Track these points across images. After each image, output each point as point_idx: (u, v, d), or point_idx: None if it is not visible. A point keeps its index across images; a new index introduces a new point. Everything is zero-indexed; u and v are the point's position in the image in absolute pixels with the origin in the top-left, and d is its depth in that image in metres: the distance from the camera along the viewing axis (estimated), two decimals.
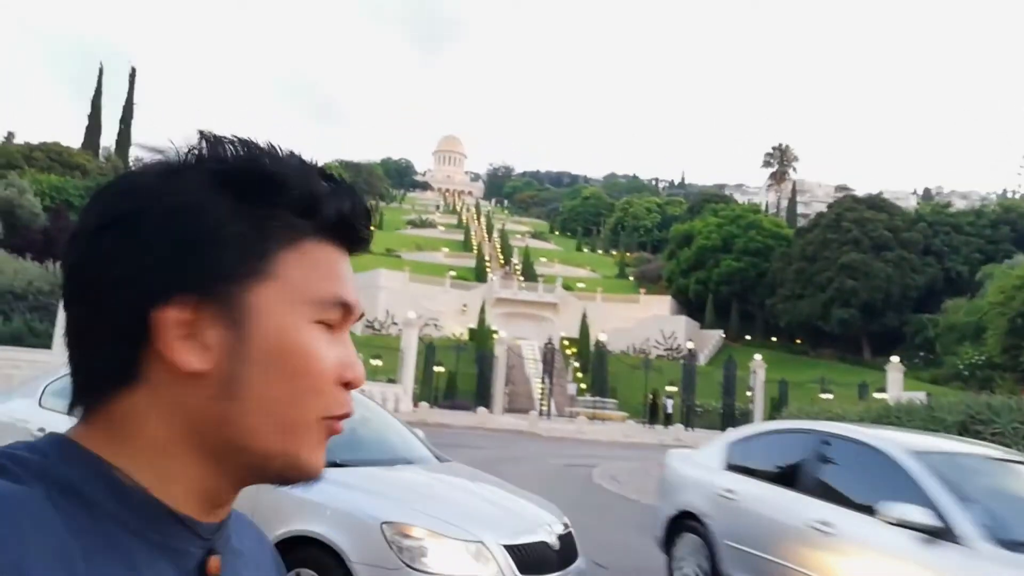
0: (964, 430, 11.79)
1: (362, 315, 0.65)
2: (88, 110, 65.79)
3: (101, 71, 66.52)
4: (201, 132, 0.60)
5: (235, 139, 0.60)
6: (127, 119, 68.63)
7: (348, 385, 0.61)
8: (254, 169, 0.58)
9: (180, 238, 0.56)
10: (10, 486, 0.51)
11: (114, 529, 0.54)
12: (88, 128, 65.22)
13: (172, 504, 0.58)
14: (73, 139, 69.51)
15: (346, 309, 0.61)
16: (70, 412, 0.59)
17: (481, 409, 33.91)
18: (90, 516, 0.53)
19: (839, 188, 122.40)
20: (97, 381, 0.58)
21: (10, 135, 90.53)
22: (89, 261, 0.56)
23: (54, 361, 25.53)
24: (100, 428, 0.58)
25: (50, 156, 53.95)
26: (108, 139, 68.02)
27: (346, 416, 0.62)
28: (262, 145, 0.60)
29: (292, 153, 0.62)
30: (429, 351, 38.66)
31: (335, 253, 0.62)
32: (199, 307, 0.56)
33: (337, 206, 0.61)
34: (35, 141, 57.07)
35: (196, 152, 0.59)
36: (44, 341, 28.00)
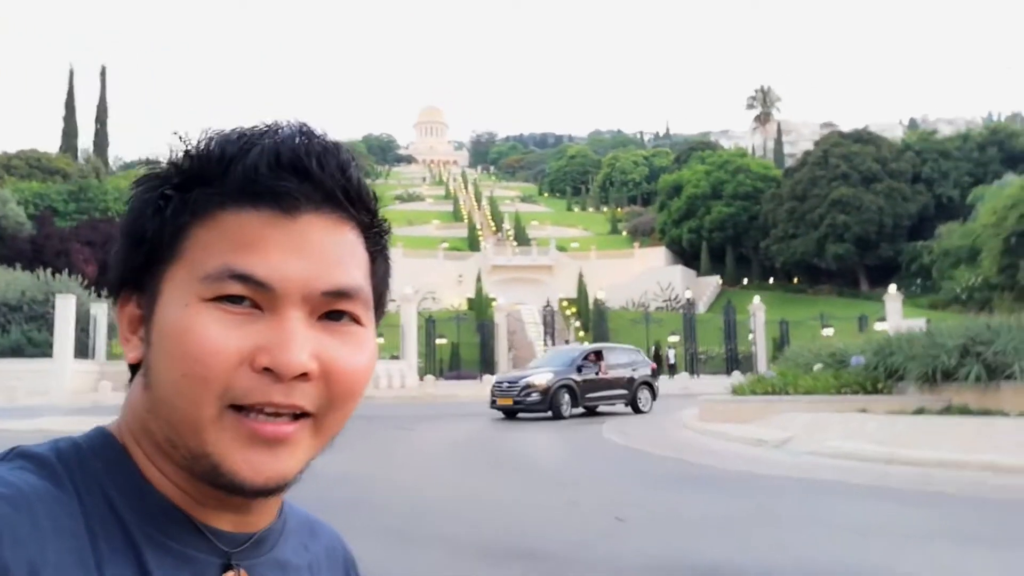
0: (966, 352, 11.89)
1: (343, 292, 0.57)
2: (63, 113, 64.94)
3: (72, 73, 65.66)
4: (175, 134, 0.59)
5: (186, 135, 0.59)
6: (102, 118, 67.80)
7: (270, 372, 0.54)
8: (184, 159, 0.58)
9: (124, 244, 0.60)
10: (40, 484, 0.52)
11: (132, 534, 0.54)
12: (64, 131, 64.50)
13: (191, 509, 0.57)
14: (50, 144, 68.71)
15: (254, 282, 0.54)
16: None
17: (487, 376, 34.01)
18: (113, 519, 0.53)
19: (824, 125, 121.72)
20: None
21: None
22: None
23: (55, 369, 25.54)
24: (135, 416, 0.60)
25: (29, 163, 53.41)
26: (85, 140, 67.24)
27: (275, 407, 0.54)
28: (224, 130, 0.59)
29: (251, 129, 0.59)
30: (429, 324, 38.67)
31: (257, 219, 0.56)
32: (139, 303, 0.59)
33: (244, 165, 0.56)
34: (12, 150, 56.37)
35: (157, 160, 0.60)
36: (44, 350, 28.03)
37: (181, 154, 0.58)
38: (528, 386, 16.83)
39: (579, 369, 17.52)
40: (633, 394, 18.57)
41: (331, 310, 0.57)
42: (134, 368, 0.61)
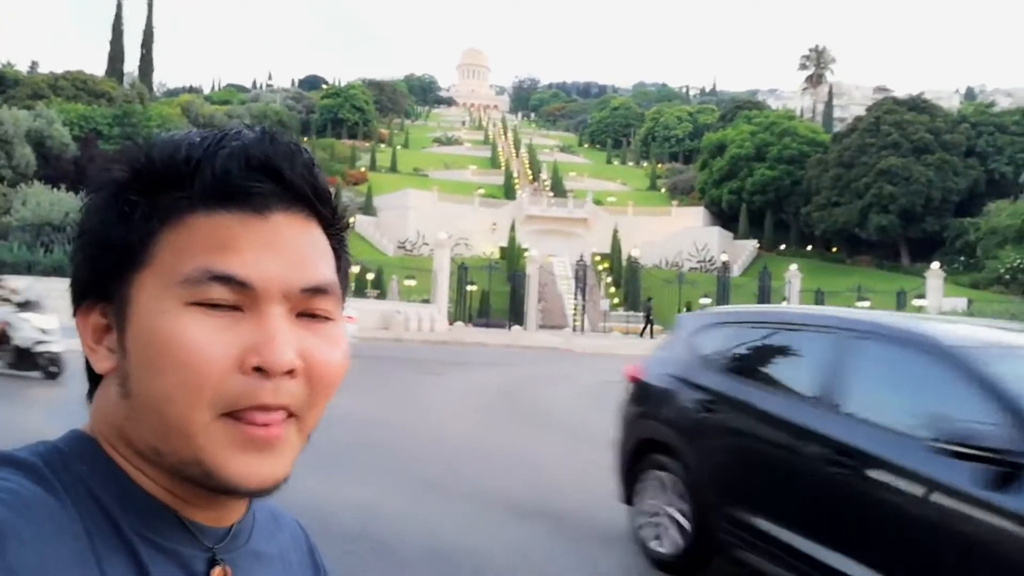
0: None
1: (319, 289, 0.58)
2: (110, 36, 65.16)
3: None
4: (130, 140, 0.63)
5: (148, 141, 0.59)
6: (148, 44, 68.06)
7: (261, 372, 0.54)
8: (147, 163, 0.58)
9: (87, 251, 0.59)
10: (37, 491, 0.52)
11: (125, 533, 0.55)
12: (110, 55, 64.76)
13: (175, 506, 0.58)
14: (96, 67, 69.18)
15: (235, 283, 0.55)
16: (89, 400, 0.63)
17: (515, 327, 34.22)
18: (105, 519, 0.54)
19: (878, 90, 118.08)
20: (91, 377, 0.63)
21: (34, 64, 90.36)
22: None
23: None
24: (109, 423, 0.60)
25: (75, 85, 53.77)
26: (130, 65, 67.54)
27: (265, 408, 0.55)
28: (179, 134, 0.60)
29: (209, 133, 0.59)
30: (461, 271, 38.83)
31: (230, 220, 0.56)
32: (104, 311, 0.59)
33: (214, 168, 0.56)
34: (59, 70, 56.82)
35: (119, 166, 0.59)
36: None
37: (143, 159, 0.58)
38: None
39: None
40: None
41: (305, 307, 0.58)
42: (92, 375, 0.61)
